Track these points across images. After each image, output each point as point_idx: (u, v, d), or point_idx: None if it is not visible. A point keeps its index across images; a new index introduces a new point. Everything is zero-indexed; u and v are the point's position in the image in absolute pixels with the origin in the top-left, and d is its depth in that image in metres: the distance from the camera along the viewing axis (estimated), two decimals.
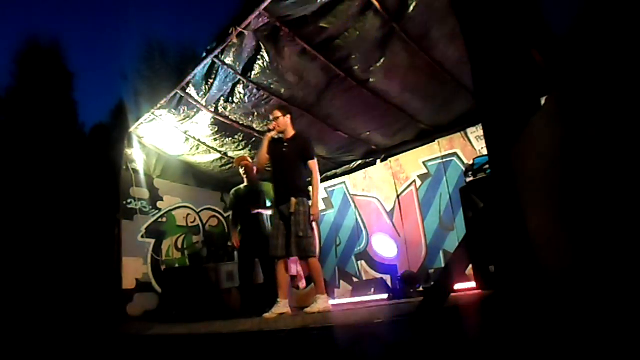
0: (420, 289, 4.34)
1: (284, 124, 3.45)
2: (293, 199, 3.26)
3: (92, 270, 6.39)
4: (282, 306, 3.22)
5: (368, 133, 5.10)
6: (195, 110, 4.60)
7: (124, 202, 5.33)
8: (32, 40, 13.98)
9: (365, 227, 5.68)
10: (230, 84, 4.18)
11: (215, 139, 5.15)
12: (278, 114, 3.46)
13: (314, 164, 3.37)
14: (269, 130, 3.46)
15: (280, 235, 3.29)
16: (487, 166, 3.05)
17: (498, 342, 1.42)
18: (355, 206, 5.82)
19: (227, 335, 2.59)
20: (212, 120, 4.75)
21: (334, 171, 6.00)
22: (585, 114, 1.05)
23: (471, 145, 4.76)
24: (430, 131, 5.06)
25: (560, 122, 1.19)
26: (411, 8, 3.20)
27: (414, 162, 5.29)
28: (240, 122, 4.79)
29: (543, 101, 1.53)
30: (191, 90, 4.31)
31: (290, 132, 3.48)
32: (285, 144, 3.44)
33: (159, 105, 4.60)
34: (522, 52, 1.68)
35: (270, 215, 3.64)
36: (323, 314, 3.06)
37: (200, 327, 3.33)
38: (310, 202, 3.33)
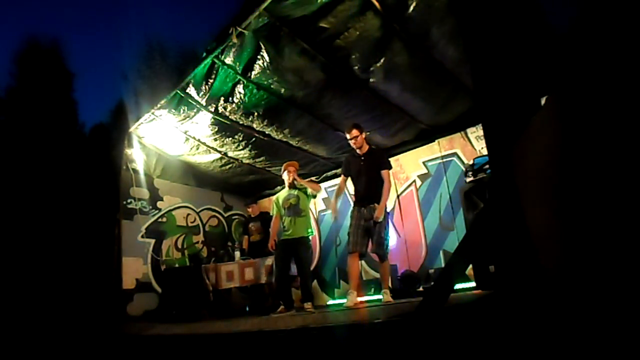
0: (420, 289, 4.34)
1: (361, 141, 3.85)
2: (377, 205, 3.69)
3: (92, 270, 6.39)
4: (354, 297, 3.59)
5: (368, 133, 5.09)
6: (195, 110, 4.59)
7: (124, 202, 5.33)
8: (32, 40, 13.99)
9: None
10: (230, 84, 4.18)
11: (215, 139, 5.14)
12: (356, 132, 3.82)
13: (387, 173, 3.80)
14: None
15: (359, 233, 3.69)
16: (487, 166, 3.05)
17: (498, 342, 1.42)
18: None
19: (227, 335, 2.59)
20: (212, 120, 4.74)
21: (334, 171, 5.99)
22: (585, 114, 1.05)
23: (471, 145, 4.76)
24: (430, 131, 5.06)
25: (560, 122, 1.19)
26: (411, 8, 3.20)
27: (414, 162, 5.29)
28: (240, 122, 4.79)
29: (543, 101, 1.53)
30: (191, 90, 4.31)
31: (365, 147, 3.90)
32: (362, 159, 3.89)
33: (159, 105, 4.60)
34: (522, 52, 1.68)
35: (351, 213, 3.90)
36: (323, 313, 3.06)
37: (200, 327, 3.33)
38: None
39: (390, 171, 3.87)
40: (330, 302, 5.70)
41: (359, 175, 3.91)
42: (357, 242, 3.66)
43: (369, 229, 3.70)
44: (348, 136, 3.90)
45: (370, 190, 3.78)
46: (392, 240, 5.44)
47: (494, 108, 1.71)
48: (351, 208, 3.95)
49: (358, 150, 3.91)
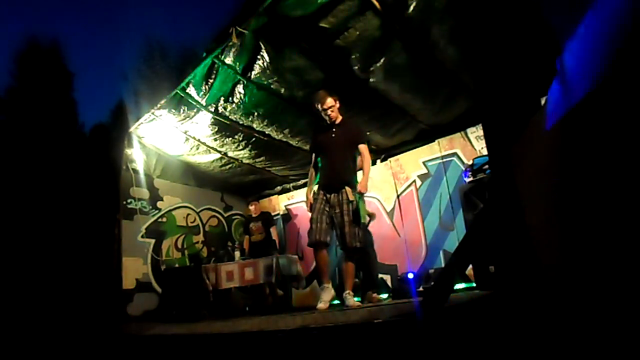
0: (420, 289, 4.34)
1: (337, 112, 3.28)
2: (348, 189, 3.13)
3: (92, 270, 6.38)
4: (329, 291, 3.20)
5: (368, 133, 5.09)
6: (195, 110, 4.59)
7: (124, 202, 5.32)
8: (32, 40, 13.99)
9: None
10: (230, 84, 4.18)
11: (215, 139, 5.14)
12: (332, 101, 3.23)
13: (365, 147, 3.30)
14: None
15: (324, 220, 3.14)
16: (487, 166, 3.05)
17: (498, 342, 1.42)
18: None
19: (227, 335, 2.59)
20: (212, 120, 4.74)
21: None
22: (585, 113, 1.05)
23: (471, 145, 4.76)
24: (430, 131, 5.06)
25: (560, 122, 1.19)
26: (411, 8, 3.20)
27: (414, 162, 5.29)
28: (240, 122, 4.79)
29: (543, 101, 1.53)
30: (191, 90, 4.31)
31: (339, 118, 3.33)
32: (334, 130, 3.29)
33: (159, 105, 4.60)
34: (522, 52, 1.68)
35: (314, 196, 3.28)
36: (323, 313, 3.06)
37: (200, 327, 3.33)
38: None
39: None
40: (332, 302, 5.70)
41: (327, 150, 3.27)
42: (320, 230, 3.10)
43: (333, 219, 3.14)
44: (322, 107, 3.24)
45: (340, 169, 3.17)
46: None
47: (494, 108, 1.71)
48: (314, 192, 3.29)
49: (327, 120, 3.30)
